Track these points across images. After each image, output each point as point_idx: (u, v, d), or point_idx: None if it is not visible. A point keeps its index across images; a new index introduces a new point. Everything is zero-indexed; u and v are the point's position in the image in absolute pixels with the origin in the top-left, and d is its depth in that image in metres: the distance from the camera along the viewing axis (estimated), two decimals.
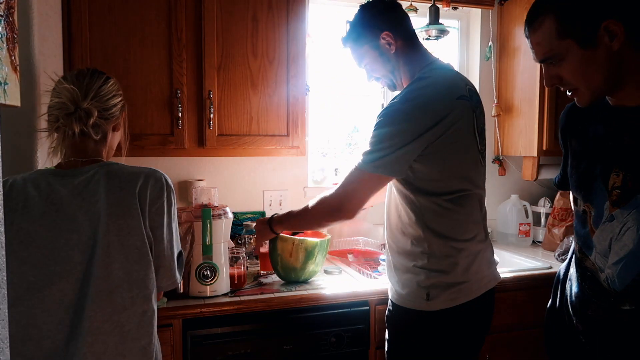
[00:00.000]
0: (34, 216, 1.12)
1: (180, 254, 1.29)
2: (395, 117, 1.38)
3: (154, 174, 1.21)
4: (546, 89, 2.30)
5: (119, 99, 1.29)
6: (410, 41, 1.54)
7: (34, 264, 1.10)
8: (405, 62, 1.53)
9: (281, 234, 1.77)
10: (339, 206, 1.46)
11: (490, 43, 2.58)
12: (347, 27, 1.57)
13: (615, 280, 1.10)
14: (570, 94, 1.13)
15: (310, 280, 1.89)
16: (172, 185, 1.24)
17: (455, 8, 2.46)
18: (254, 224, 1.92)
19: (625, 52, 1.04)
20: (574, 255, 1.26)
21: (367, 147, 1.41)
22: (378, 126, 1.40)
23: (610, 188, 1.10)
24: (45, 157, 1.46)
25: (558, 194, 2.48)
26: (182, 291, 1.69)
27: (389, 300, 1.56)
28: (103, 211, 1.13)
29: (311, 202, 1.55)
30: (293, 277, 1.84)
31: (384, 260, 2.06)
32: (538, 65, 2.31)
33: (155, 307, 1.21)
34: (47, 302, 1.09)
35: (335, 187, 1.48)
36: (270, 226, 1.70)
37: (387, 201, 1.57)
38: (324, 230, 1.95)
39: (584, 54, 1.05)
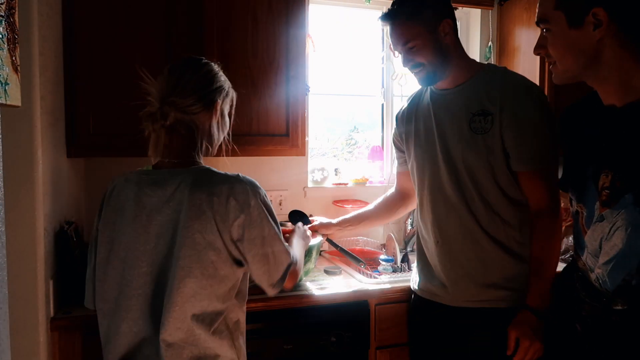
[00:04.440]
0: (128, 219, 1.15)
1: (289, 265, 1.20)
2: (548, 125, 1.43)
3: (236, 187, 1.12)
4: (546, 89, 2.30)
5: (213, 86, 1.21)
6: (457, 37, 1.56)
7: (131, 264, 1.15)
8: (458, 55, 1.53)
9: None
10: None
11: (490, 43, 2.58)
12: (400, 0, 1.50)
13: (606, 280, 1.10)
14: (551, 67, 1.16)
15: (304, 281, 1.89)
16: (257, 196, 1.14)
17: (455, 8, 2.46)
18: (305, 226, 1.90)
19: (608, 45, 1.05)
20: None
21: (543, 156, 1.42)
22: (540, 132, 1.43)
23: (599, 188, 1.11)
24: (48, 157, 1.47)
25: None
26: None
27: (483, 309, 1.52)
28: (184, 223, 1.10)
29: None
30: None
31: (384, 260, 2.06)
32: (538, 65, 2.33)
33: (227, 318, 1.17)
34: (142, 300, 1.13)
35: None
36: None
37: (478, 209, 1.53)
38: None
39: (568, 32, 1.07)
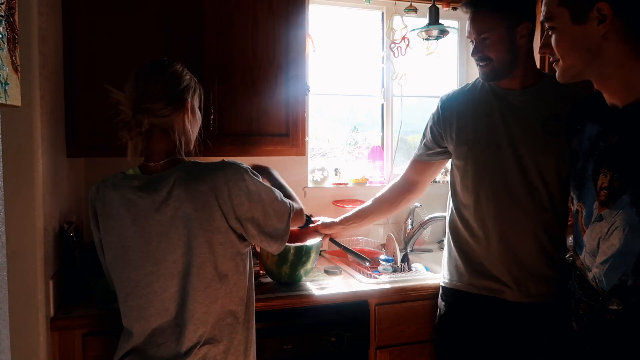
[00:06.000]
0: (126, 223, 1.20)
1: (289, 214, 1.31)
2: None
3: (228, 171, 1.19)
4: None
5: (181, 86, 1.24)
6: (532, 42, 1.55)
7: (135, 265, 1.21)
8: (527, 60, 1.55)
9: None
10: None
11: None
12: None
13: (602, 279, 1.11)
14: (554, 65, 1.17)
15: (304, 281, 1.89)
16: (248, 170, 1.22)
17: (455, 8, 2.46)
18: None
19: (612, 41, 1.05)
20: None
21: None
22: None
23: (598, 188, 1.11)
24: (48, 157, 1.47)
25: None
26: None
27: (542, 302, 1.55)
28: (189, 216, 1.17)
29: None
30: (275, 278, 1.85)
31: (384, 260, 2.06)
32: (537, 64, 2.33)
33: (243, 284, 1.27)
34: (152, 297, 1.21)
35: None
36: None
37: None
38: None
39: (572, 28, 1.08)
